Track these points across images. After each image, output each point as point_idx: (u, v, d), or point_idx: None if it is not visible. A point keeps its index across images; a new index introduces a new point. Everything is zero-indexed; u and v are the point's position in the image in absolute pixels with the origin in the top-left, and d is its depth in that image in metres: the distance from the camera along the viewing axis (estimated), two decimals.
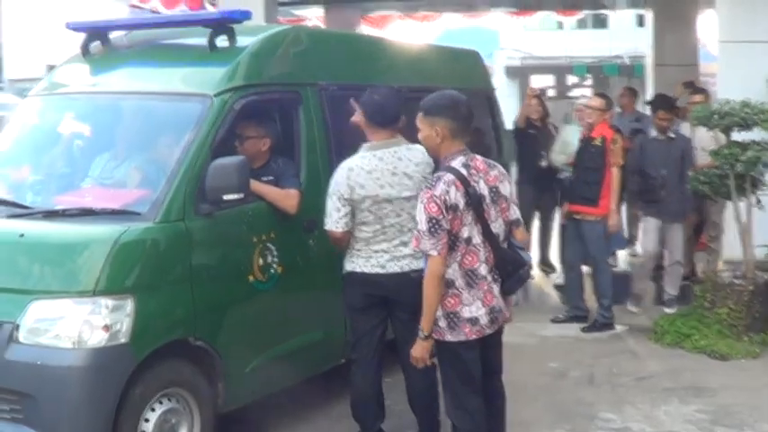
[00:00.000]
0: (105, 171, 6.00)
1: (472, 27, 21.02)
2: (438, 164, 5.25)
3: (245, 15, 6.38)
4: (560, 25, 36.53)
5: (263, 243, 5.98)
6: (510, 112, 11.81)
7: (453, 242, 4.88)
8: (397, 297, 5.71)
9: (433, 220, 4.81)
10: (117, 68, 6.60)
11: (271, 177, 6.23)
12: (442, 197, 4.82)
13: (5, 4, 28.04)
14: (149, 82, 6.33)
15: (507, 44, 38.52)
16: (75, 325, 5.02)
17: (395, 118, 5.80)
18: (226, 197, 5.54)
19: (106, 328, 5.04)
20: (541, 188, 11.03)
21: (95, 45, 6.72)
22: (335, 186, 5.69)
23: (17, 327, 5.07)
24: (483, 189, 4.97)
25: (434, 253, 4.83)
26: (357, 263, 5.77)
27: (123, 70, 6.56)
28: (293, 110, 6.49)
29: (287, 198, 6.13)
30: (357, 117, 5.90)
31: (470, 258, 4.94)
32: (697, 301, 8.97)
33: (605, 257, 9.52)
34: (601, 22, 36.79)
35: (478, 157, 5.11)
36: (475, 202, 4.89)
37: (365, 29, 17.74)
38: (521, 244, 5.23)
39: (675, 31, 16.32)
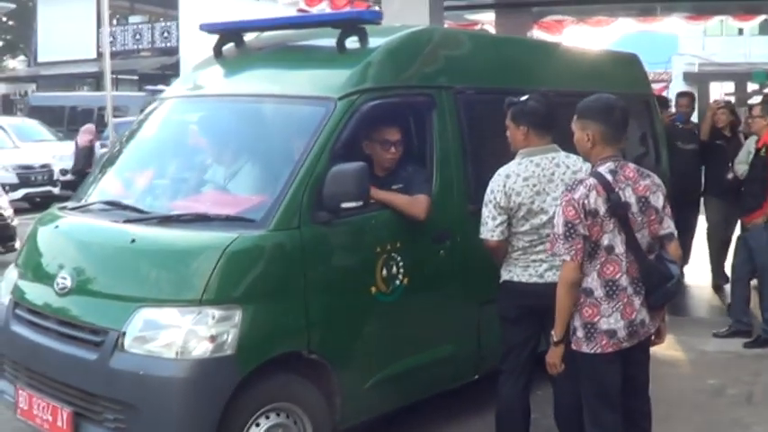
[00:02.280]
0: (225, 176, 5.85)
1: (648, 33, 20.35)
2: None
3: (376, 16, 6.15)
4: (741, 31, 35.36)
5: (388, 253, 5.69)
6: None
7: (593, 250, 4.71)
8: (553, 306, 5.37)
9: (569, 224, 4.66)
10: (245, 71, 6.47)
11: (400, 185, 5.94)
12: (581, 201, 4.65)
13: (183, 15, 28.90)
14: (275, 84, 6.12)
15: (686, 49, 37.41)
16: (179, 334, 4.85)
17: (553, 124, 5.56)
18: (344, 205, 5.28)
19: (212, 338, 4.86)
20: (729, 201, 10.28)
21: (229, 47, 6.60)
22: (491, 194, 5.46)
23: (123, 334, 4.94)
24: (629, 197, 4.73)
25: (568, 258, 4.69)
26: (515, 272, 5.54)
27: (251, 73, 6.42)
28: (426, 115, 6.17)
29: (414, 204, 5.82)
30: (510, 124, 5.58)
31: (611, 268, 4.72)
32: None
33: None
34: None
35: (631, 165, 4.89)
36: (617, 209, 4.67)
37: (538, 34, 17.34)
38: (672, 258, 4.90)
39: None
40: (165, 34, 38.46)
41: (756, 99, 27.81)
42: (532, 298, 5.44)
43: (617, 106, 4.87)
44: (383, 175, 6.01)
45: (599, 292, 4.74)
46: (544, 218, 5.38)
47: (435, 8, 11.84)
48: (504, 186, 5.41)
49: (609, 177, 4.72)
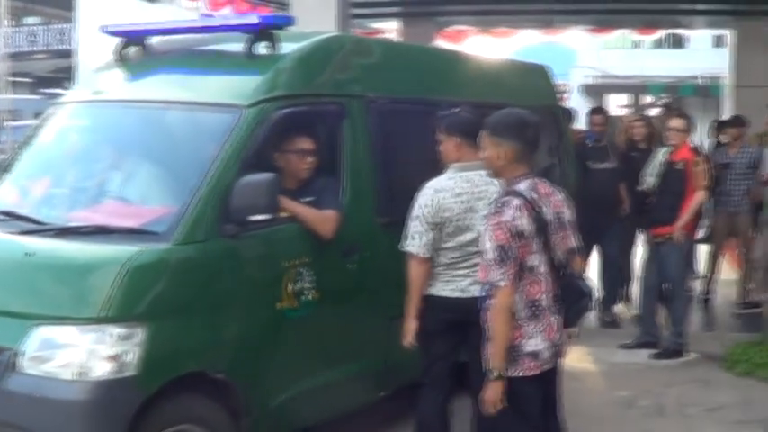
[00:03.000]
0: (128, 186, 5.59)
1: (549, 44, 20.59)
2: None
3: (287, 21, 5.96)
4: (637, 44, 36.23)
5: (296, 267, 5.50)
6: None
7: (519, 271, 4.54)
8: (475, 320, 5.10)
9: (502, 249, 4.47)
10: (150, 76, 6.19)
11: (311, 198, 5.76)
12: (511, 223, 4.48)
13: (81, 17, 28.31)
14: (181, 91, 5.87)
15: (584, 62, 38.11)
16: (78, 354, 4.58)
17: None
18: (252, 218, 5.08)
19: (112, 358, 4.59)
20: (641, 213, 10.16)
21: (131, 51, 6.31)
22: (420, 208, 5.39)
23: (18, 354, 4.63)
24: (549, 214, 4.65)
25: (503, 283, 4.47)
26: (437, 286, 5.48)
27: (156, 78, 6.15)
28: (337, 124, 6.01)
29: (323, 221, 5.64)
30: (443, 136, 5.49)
31: (535, 288, 4.60)
32: None
33: (682, 281, 9.10)
34: (677, 42, 37.13)
35: (541, 180, 4.80)
36: (542, 228, 4.58)
37: (441, 44, 17.32)
38: (579, 273, 4.91)
39: (758, 51, 15.84)
40: (61, 36, 37.52)
41: (654, 111, 28.41)
42: (454, 312, 5.39)
43: (531, 123, 4.74)
44: (295, 187, 5.82)
45: (522, 314, 4.59)
46: (469, 236, 5.32)
47: (343, 16, 11.68)
48: (434, 201, 5.34)
49: (531, 196, 4.59)
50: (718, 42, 31.10)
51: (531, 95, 8.09)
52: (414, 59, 7.17)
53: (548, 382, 4.78)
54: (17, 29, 38.75)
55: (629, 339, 9.24)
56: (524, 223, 4.49)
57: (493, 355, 4.56)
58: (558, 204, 4.73)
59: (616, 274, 10.49)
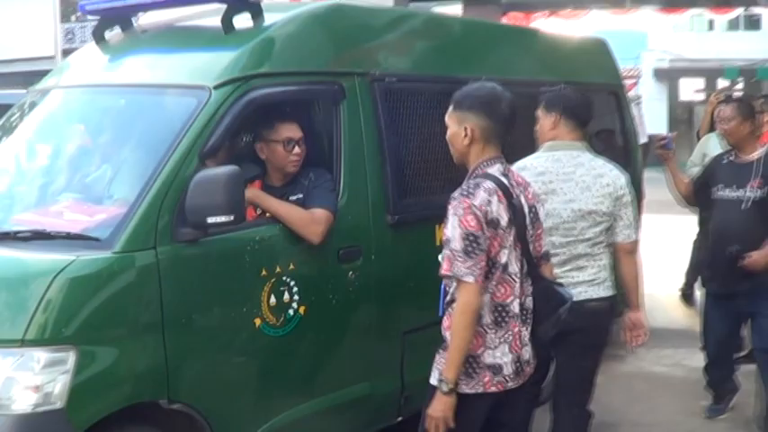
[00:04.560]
0: (82, 183, 4.80)
1: (619, 30, 19.60)
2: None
3: None
4: (711, 26, 35.29)
5: (278, 277, 4.67)
6: (657, 116, 10.17)
7: (489, 268, 3.85)
8: (569, 329, 4.50)
9: (471, 237, 3.76)
10: (123, 58, 5.37)
11: (300, 195, 4.93)
12: (483, 208, 3.79)
13: None
14: (144, 73, 5.08)
15: (656, 45, 36.78)
16: None
17: (587, 118, 5.03)
18: (211, 219, 4.25)
19: (36, 388, 3.85)
20: None
21: (112, 31, 5.56)
22: None
23: None
24: (525, 206, 3.99)
25: (470, 279, 3.76)
26: None
27: (128, 60, 5.32)
28: (332, 108, 5.14)
29: (310, 222, 4.79)
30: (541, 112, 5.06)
31: (504, 290, 3.91)
32: None
33: None
34: (754, 24, 35.67)
35: (515, 169, 4.22)
36: (518, 219, 3.91)
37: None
38: (555, 279, 4.32)
39: None
40: None
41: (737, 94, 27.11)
42: None
43: (504, 97, 4.00)
44: (282, 182, 5.01)
45: (487, 319, 3.88)
46: (550, 222, 4.72)
47: (397, 2, 10.88)
48: None
49: (504, 181, 3.91)
50: None
51: (586, 72, 7.20)
52: (434, 31, 6.21)
53: (510, 407, 4.06)
54: (83, 24, 38.62)
55: None
56: (499, 210, 3.82)
57: (449, 364, 3.81)
58: (532, 197, 4.08)
59: None
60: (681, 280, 10.30)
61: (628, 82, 27.68)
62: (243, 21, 5.01)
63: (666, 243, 12.52)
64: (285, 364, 4.77)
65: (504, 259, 3.86)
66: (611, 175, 4.83)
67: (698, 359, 7.84)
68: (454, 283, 3.83)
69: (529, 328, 4.02)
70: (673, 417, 6.72)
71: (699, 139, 9.17)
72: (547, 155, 4.90)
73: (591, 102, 5.10)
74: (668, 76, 37.57)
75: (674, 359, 7.95)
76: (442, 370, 3.84)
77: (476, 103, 3.94)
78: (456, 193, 3.86)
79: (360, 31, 5.43)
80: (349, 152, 5.11)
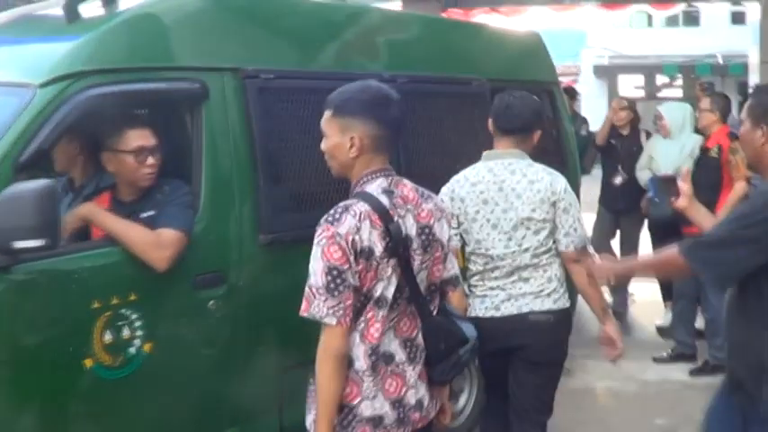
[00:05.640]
0: None
1: (560, 28, 19.55)
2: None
3: None
4: (650, 22, 35.49)
5: (114, 309, 3.95)
6: (597, 113, 9.78)
7: (362, 304, 3.27)
8: (513, 344, 4.55)
9: (335, 272, 3.16)
10: None
11: (152, 212, 4.22)
12: (349, 237, 3.19)
13: None
14: None
15: (595, 43, 36.70)
16: None
17: (523, 126, 4.62)
18: (18, 244, 3.53)
19: None
20: (619, 211, 9.20)
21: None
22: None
23: None
24: (410, 228, 3.36)
25: (332, 321, 3.17)
26: (473, 305, 4.58)
27: None
28: (192, 109, 4.41)
29: (154, 245, 4.06)
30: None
31: (379, 327, 3.30)
32: None
33: None
34: (692, 20, 35.65)
35: (407, 182, 3.49)
36: (398, 245, 3.28)
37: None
38: (458, 312, 3.72)
39: None
40: None
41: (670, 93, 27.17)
42: (491, 337, 4.31)
43: (393, 99, 3.40)
44: (131, 198, 4.30)
45: (361, 363, 3.29)
46: (493, 236, 4.54)
47: None
48: (452, 191, 4.61)
49: (384, 200, 3.31)
50: (735, 19, 31.17)
51: (515, 68, 6.46)
52: (324, 18, 5.38)
53: None
54: None
55: (662, 351, 8.04)
56: (371, 238, 3.22)
57: (319, 420, 3.24)
58: (426, 215, 3.44)
59: None
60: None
61: (567, 79, 27.65)
62: (94, 8, 4.31)
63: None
64: (127, 411, 4.05)
65: (378, 293, 3.27)
66: (545, 181, 4.52)
67: (652, 371, 7.72)
68: None
69: (417, 368, 3.43)
70: None
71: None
72: (481, 165, 4.63)
73: (528, 104, 4.64)
74: (608, 73, 37.42)
75: (627, 372, 7.49)
76: (312, 428, 3.32)
77: (362, 108, 3.34)
78: (322, 219, 3.26)
79: (232, 21, 4.68)
80: (212, 162, 4.38)
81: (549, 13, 16.50)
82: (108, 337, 3.93)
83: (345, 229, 3.18)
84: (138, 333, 4.03)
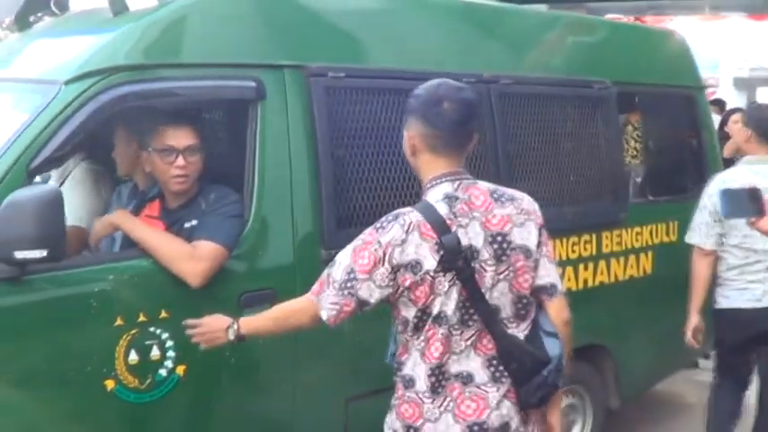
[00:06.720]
0: None
1: (699, 39, 18.71)
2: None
3: None
4: None
5: (142, 327, 3.61)
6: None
7: (419, 321, 3.09)
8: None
9: (352, 275, 3.06)
10: (20, 48, 4.41)
11: (194, 221, 3.87)
12: (389, 249, 3.02)
13: None
14: (14, 65, 4.16)
15: (735, 55, 34.14)
16: None
17: None
18: (19, 254, 3.23)
19: None
20: None
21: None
22: (706, 198, 5.10)
23: None
24: (476, 238, 3.09)
25: (325, 315, 3.12)
26: (731, 296, 5.09)
27: (23, 50, 4.33)
28: (247, 111, 4.00)
29: (188, 258, 3.70)
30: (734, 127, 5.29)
31: (439, 347, 3.11)
32: None
33: None
34: None
35: (482, 184, 3.22)
36: (455, 258, 3.04)
37: None
38: (552, 327, 3.25)
39: None
40: None
41: None
42: (754, 326, 5.03)
43: (448, 97, 3.12)
44: (176, 205, 3.96)
45: (421, 384, 3.13)
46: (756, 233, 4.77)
47: None
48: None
49: (443, 209, 3.08)
50: None
51: (652, 71, 5.80)
52: (412, 12, 4.78)
53: None
54: None
55: None
56: (418, 251, 3.03)
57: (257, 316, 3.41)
58: (499, 221, 3.13)
59: None
60: None
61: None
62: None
63: None
64: None
65: (436, 309, 3.06)
66: None
67: None
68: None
69: (503, 389, 3.16)
70: None
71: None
72: (746, 167, 5.06)
73: None
74: (747, 86, 35.48)
75: None
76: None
77: (414, 106, 3.17)
78: (374, 224, 3.15)
79: (297, 14, 4.26)
80: (266, 168, 3.97)
81: (693, 23, 15.89)
82: (133, 357, 3.59)
83: (387, 239, 3.02)
84: (170, 354, 3.68)
